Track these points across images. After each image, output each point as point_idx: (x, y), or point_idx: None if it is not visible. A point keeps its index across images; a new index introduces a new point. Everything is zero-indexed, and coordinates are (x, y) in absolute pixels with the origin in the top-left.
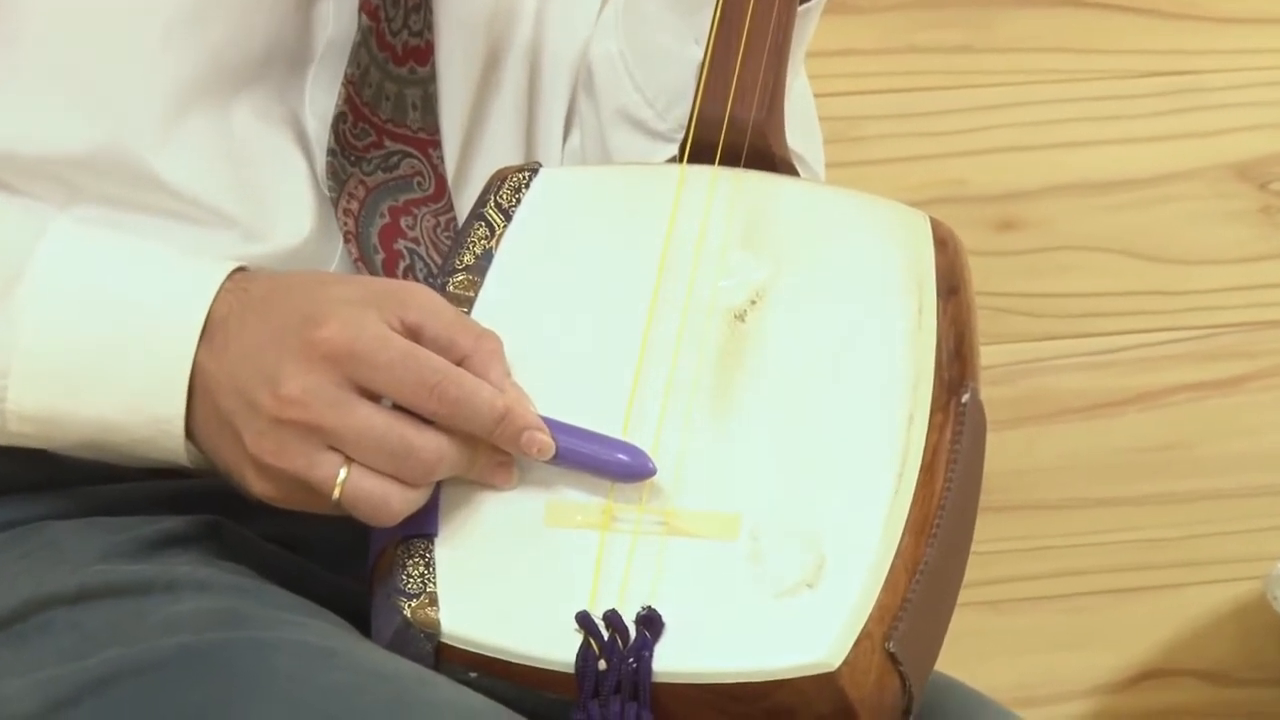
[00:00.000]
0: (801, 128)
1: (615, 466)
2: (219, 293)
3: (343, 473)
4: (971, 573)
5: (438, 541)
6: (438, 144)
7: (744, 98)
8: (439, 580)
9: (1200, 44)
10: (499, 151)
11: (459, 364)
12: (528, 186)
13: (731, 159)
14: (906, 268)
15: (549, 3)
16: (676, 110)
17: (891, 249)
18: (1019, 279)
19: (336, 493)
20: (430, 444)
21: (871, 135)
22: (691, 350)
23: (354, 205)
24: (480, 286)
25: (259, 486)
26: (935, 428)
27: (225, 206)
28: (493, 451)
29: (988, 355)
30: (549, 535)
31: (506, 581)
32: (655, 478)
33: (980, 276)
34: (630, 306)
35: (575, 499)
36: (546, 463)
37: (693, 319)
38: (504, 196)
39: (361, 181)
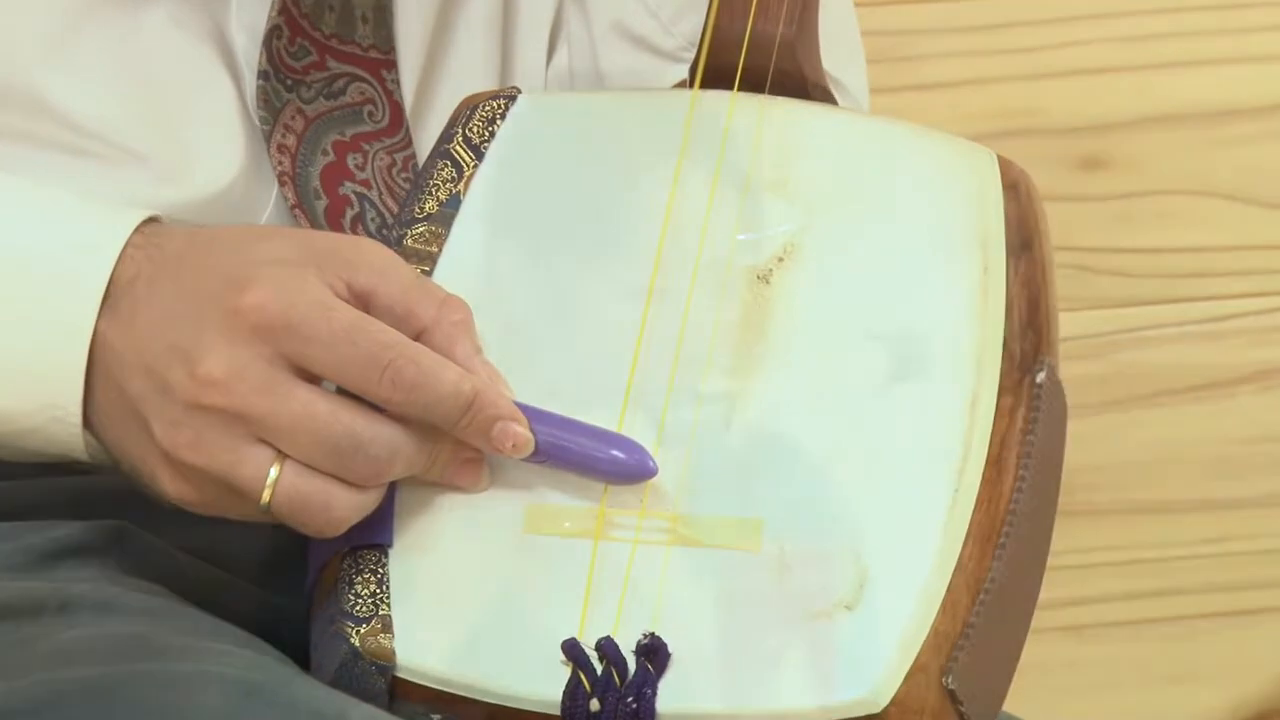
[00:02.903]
0: (839, 45)
1: (609, 465)
2: (125, 249)
3: (274, 471)
4: (1048, 591)
5: (392, 554)
6: (393, 65)
7: (769, 8)
8: (394, 601)
9: None
10: (468, 74)
11: (417, 338)
12: (503, 117)
13: (754, 84)
14: (968, 218)
15: None
16: (686, 23)
17: (950, 194)
18: (1107, 230)
19: (266, 496)
20: (382, 437)
21: (925, 54)
22: (704, 319)
23: (291, 140)
24: (445, 240)
25: (172, 487)
26: (1004, 413)
27: (133, 140)
28: (458, 446)
29: (1068, 324)
30: (529, 546)
31: (476, 602)
32: (659, 476)
33: (1059, 228)
34: (629, 266)
35: (561, 502)
36: (525, 460)
37: (706, 280)
38: (474, 129)
39: (300, 111)
